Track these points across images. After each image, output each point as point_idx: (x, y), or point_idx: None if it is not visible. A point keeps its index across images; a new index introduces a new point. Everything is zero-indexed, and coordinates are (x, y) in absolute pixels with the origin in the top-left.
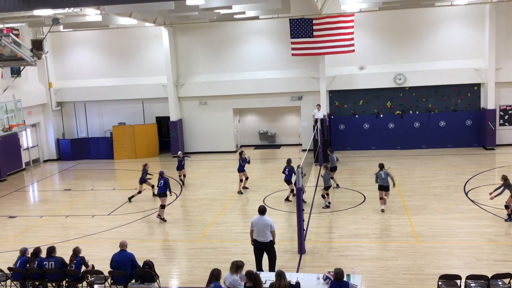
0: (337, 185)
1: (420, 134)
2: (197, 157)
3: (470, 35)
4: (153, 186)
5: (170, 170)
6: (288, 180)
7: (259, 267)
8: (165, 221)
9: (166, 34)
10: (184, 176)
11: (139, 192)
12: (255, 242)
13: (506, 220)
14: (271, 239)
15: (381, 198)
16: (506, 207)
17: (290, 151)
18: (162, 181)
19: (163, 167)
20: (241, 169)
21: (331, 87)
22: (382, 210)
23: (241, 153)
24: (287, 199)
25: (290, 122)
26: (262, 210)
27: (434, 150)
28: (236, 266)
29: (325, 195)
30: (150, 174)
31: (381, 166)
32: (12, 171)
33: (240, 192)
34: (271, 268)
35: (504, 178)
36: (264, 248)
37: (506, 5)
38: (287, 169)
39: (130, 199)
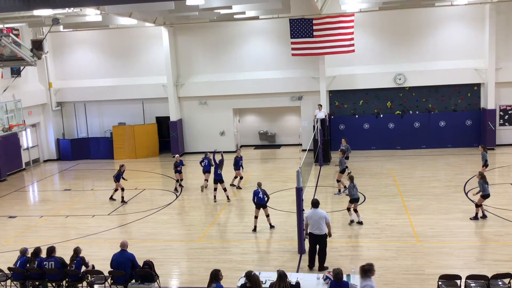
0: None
1: (420, 134)
2: (197, 157)
3: (470, 35)
4: (122, 189)
5: (169, 169)
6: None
7: (312, 262)
8: (215, 201)
9: (166, 34)
10: (181, 180)
11: (122, 190)
12: (310, 235)
13: (470, 218)
14: (326, 231)
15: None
16: (477, 206)
17: (290, 151)
18: (206, 161)
19: (163, 167)
20: (237, 167)
21: (331, 87)
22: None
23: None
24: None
25: (290, 122)
26: (315, 203)
27: (434, 150)
28: (363, 271)
29: (350, 209)
30: (123, 179)
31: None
32: (12, 171)
33: (238, 187)
34: (321, 259)
35: (481, 175)
36: (318, 240)
37: (506, 5)
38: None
39: (112, 198)
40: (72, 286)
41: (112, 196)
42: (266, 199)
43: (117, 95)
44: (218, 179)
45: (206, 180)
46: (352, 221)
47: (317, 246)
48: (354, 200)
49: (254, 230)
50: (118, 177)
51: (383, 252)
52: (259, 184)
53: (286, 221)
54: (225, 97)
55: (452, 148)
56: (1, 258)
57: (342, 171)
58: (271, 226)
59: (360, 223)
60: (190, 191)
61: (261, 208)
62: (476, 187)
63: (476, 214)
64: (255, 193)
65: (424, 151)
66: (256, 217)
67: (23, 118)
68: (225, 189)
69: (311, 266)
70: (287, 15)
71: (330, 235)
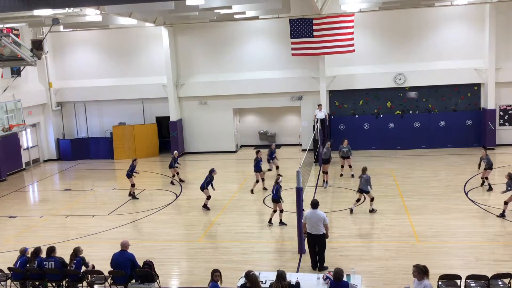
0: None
1: (420, 134)
2: (197, 157)
3: (470, 35)
4: (133, 185)
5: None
6: (201, 187)
7: (314, 261)
8: (209, 209)
9: (166, 34)
10: (178, 173)
11: (133, 186)
12: (308, 235)
13: (498, 216)
14: (324, 232)
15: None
16: (505, 203)
17: (290, 151)
18: (206, 177)
19: (163, 167)
20: (258, 169)
21: (331, 87)
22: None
23: (257, 153)
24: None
25: (290, 122)
26: (314, 204)
27: (434, 150)
28: (423, 271)
29: (360, 200)
30: (136, 173)
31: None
32: (12, 171)
33: (252, 192)
34: (321, 259)
35: (510, 176)
36: (316, 240)
37: (506, 5)
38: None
39: (134, 196)
40: (72, 286)
41: (132, 193)
42: (277, 195)
43: (117, 95)
44: (201, 187)
45: (269, 169)
46: (351, 210)
47: (317, 246)
48: (361, 191)
49: (280, 223)
50: (131, 171)
51: (383, 252)
52: (276, 179)
53: (286, 221)
54: (225, 97)
55: (452, 148)
56: (1, 258)
57: (326, 161)
58: (269, 222)
59: (372, 210)
60: (190, 191)
61: (274, 203)
62: (476, 187)
63: (504, 211)
64: (272, 187)
65: (424, 151)
66: (281, 211)
67: (23, 118)
68: (208, 197)
69: (314, 266)
70: (287, 15)
71: (327, 236)
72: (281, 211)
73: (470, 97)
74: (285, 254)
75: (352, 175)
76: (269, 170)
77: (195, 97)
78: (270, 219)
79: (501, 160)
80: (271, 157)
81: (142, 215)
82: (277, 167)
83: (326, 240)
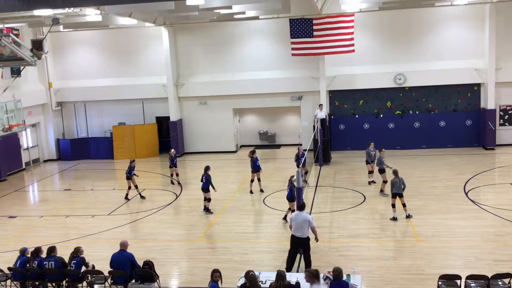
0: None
1: (420, 134)
2: (197, 157)
3: (470, 35)
4: (136, 186)
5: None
6: (205, 188)
7: (291, 265)
8: (212, 212)
9: (166, 34)
10: (177, 175)
11: (136, 187)
12: (292, 237)
13: None
14: (308, 235)
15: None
16: None
17: (290, 151)
18: (205, 177)
19: (163, 167)
20: (257, 169)
21: (331, 87)
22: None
23: (253, 153)
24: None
25: (290, 122)
26: (301, 206)
27: (434, 150)
28: (314, 275)
29: (395, 205)
30: (135, 175)
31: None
32: (12, 171)
33: (251, 192)
34: (306, 262)
35: None
36: (300, 243)
37: (506, 5)
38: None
39: (141, 196)
40: (72, 286)
41: (127, 195)
42: (291, 193)
43: (117, 95)
44: (205, 188)
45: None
46: (394, 218)
47: (300, 249)
48: (394, 194)
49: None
50: (130, 173)
51: (383, 252)
52: (290, 178)
53: (286, 221)
54: (225, 97)
55: (452, 148)
56: (1, 258)
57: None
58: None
59: (408, 216)
60: (190, 191)
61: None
62: (477, 186)
63: None
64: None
65: (424, 151)
66: (292, 210)
67: (23, 118)
68: (208, 200)
69: (288, 269)
70: (287, 15)
71: (317, 239)
72: (293, 210)
73: (470, 97)
74: (285, 254)
75: (374, 182)
76: (306, 173)
77: (195, 97)
78: (285, 216)
79: (501, 160)
80: (299, 161)
81: (142, 215)
82: (306, 172)
83: (317, 242)
